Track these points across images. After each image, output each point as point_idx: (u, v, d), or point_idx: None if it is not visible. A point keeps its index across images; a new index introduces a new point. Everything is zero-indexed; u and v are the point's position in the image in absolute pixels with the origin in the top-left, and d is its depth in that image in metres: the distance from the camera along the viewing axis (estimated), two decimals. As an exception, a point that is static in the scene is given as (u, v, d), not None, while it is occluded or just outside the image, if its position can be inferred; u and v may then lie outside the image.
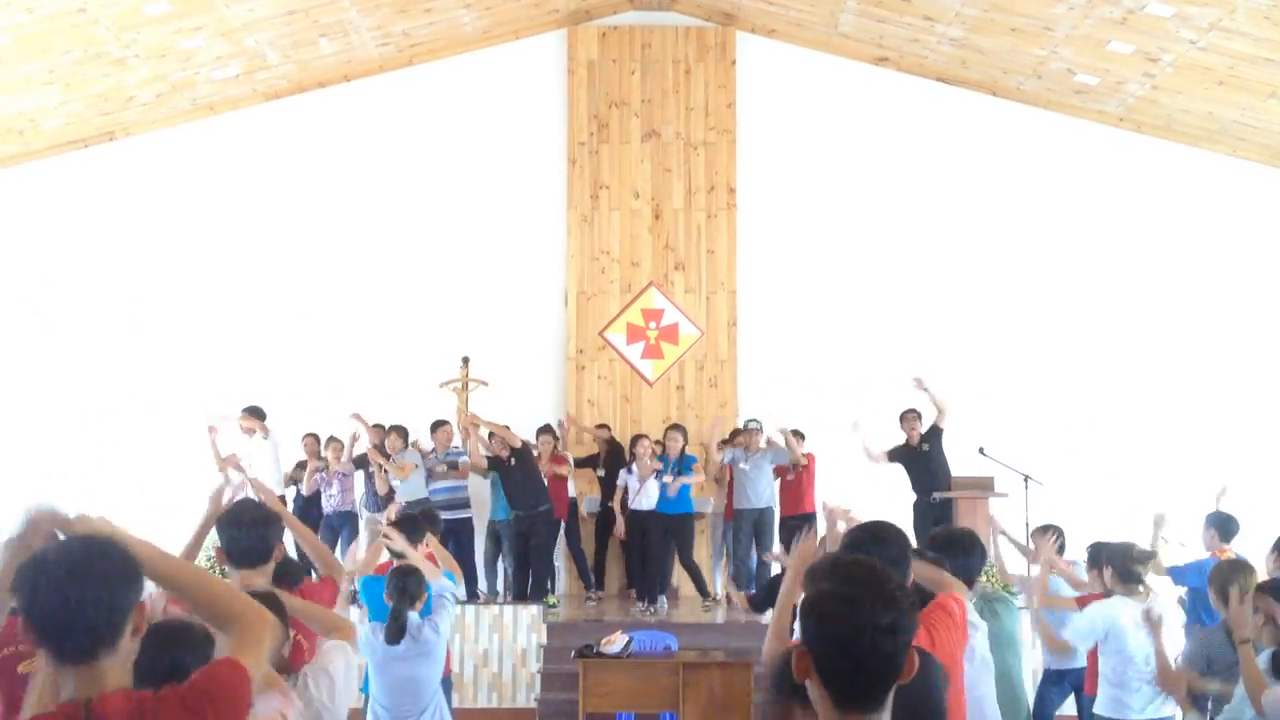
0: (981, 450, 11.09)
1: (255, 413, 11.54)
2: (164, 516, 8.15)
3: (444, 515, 9.85)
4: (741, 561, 11.34)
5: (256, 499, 5.14)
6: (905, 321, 12.82)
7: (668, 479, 10.98)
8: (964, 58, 12.67)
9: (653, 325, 13.01)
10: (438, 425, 11.77)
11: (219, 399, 12.02)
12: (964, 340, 12.68)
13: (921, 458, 11.27)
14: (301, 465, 11.81)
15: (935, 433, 11.34)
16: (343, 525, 11.50)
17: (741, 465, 11.35)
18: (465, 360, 12.45)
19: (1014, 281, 12.87)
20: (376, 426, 11.50)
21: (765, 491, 11.41)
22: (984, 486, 11.45)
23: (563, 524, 11.61)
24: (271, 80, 12.86)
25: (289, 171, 13.02)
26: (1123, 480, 11.72)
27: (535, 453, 11.37)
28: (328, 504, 11.59)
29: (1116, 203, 12.95)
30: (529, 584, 10.92)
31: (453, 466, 11.50)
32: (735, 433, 11.87)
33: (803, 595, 2.23)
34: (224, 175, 12.99)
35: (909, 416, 11.43)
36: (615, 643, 8.82)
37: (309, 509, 11.44)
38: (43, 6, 10.11)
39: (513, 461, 10.96)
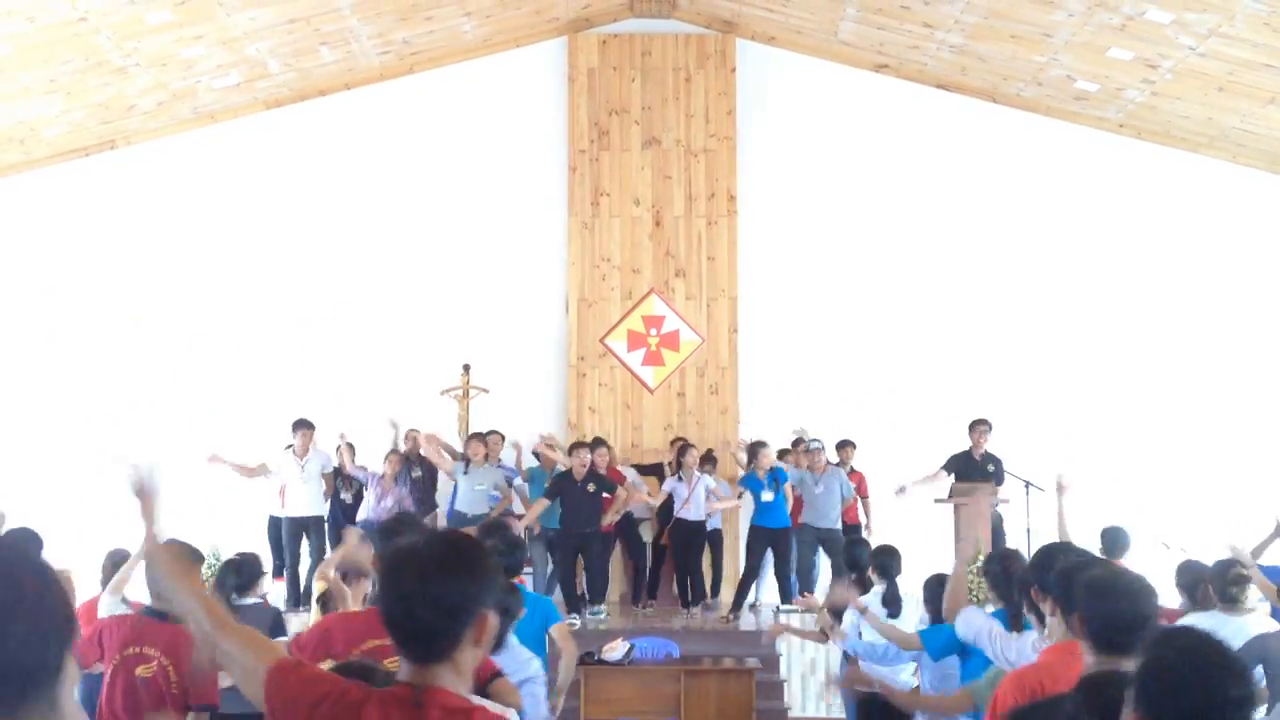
0: (902, 489, 11.10)
1: (308, 425, 11.44)
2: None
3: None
4: (805, 574, 11.30)
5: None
6: (906, 328, 12.83)
7: (766, 495, 11.01)
8: (964, 65, 12.69)
9: (654, 332, 13.02)
10: (487, 435, 11.61)
11: (218, 406, 12.05)
12: (964, 346, 12.70)
13: (981, 474, 11.06)
14: (337, 473, 11.61)
15: (999, 464, 11.20)
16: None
17: (816, 490, 11.21)
18: (466, 368, 12.47)
19: (1015, 288, 12.88)
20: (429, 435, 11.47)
21: (833, 513, 11.27)
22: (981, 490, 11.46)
23: (615, 537, 11.48)
24: (272, 89, 12.88)
25: (290, 180, 13.03)
26: (1124, 486, 11.70)
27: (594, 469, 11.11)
28: (376, 513, 10.93)
29: (1116, 209, 12.96)
30: (576, 596, 10.87)
31: (509, 483, 11.42)
32: (784, 452, 11.74)
33: (1140, 662, 2.21)
34: (225, 184, 13.01)
35: (979, 427, 11.29)
36: (616, 650, 8.82)
37: (347, 520, 11.06)
38: (44, 15, 10.13)
39: (590, 488, 10.86)
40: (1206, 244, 12.84)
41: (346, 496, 11.53)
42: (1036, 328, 12.78)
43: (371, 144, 13.14)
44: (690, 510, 11.07)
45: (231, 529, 10.32)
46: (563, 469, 10.99)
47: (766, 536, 11.12)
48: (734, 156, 13.16)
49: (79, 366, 12.58)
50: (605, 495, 10.95)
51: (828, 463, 11.41)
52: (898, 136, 13.15)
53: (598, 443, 11.15)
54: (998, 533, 10.70)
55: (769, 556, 11.28)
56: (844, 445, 12.02)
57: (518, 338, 12.83)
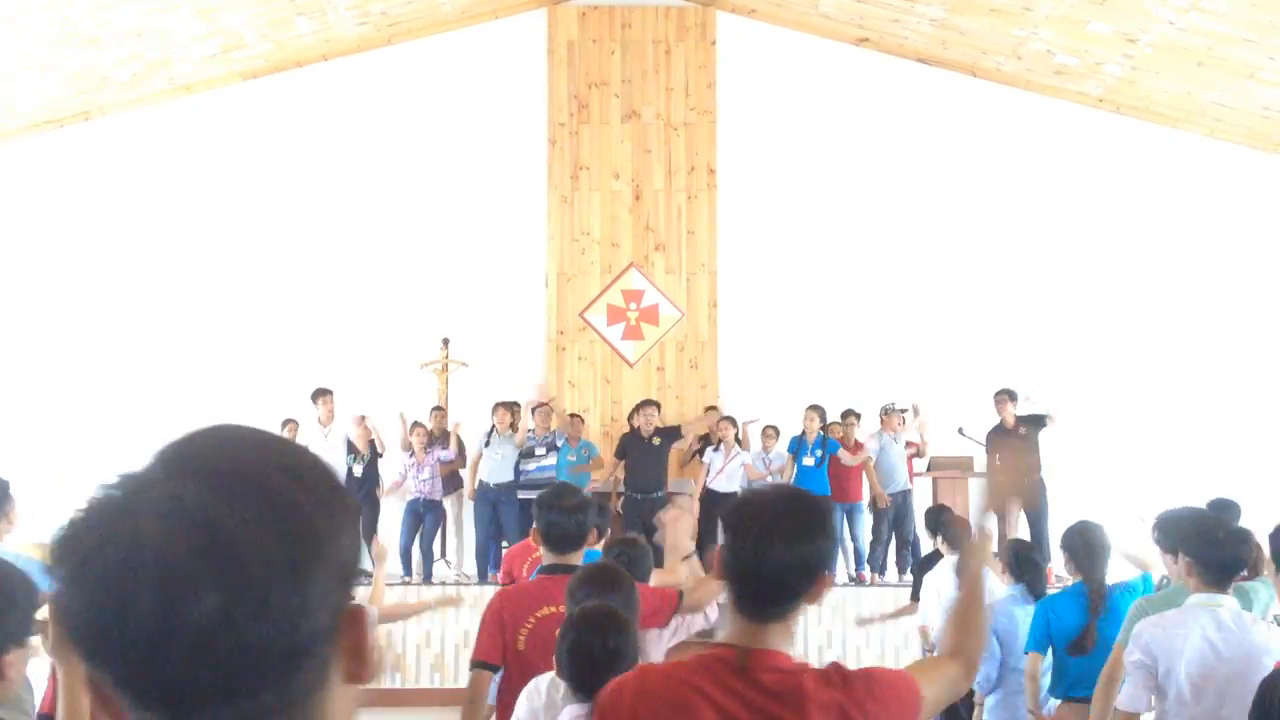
0: (960, 431, 11.14)
1: (328, 392, 11.57)
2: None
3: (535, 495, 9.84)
4: (879, 543, 11.49)
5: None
6: (886, 302, 12.84)
7: (809, 460, 11.21)
8: (944, 38, 12.68)
9: (633, 306, 13.00)
10: (537, 407, 11.90)
11: (193, 381, 11.99)
12: (944, 320, 12.72)
13: (1017, 442, 11.09)
14: (350, 450, 11.68)
15: (1036, 421, 11.24)
16: (428, 513, 11.57)
17: (895, 448, 11.46)
18: (445, 341, 12.43)
19: (994, 262, 12.90)
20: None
21: (901, 476, 11.47)
22: (964, 467, 11.54)
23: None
24: (249, 60, 12.76)
25: (266, 152, 12.93)
26: (1102, 460, 11.78)
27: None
28: (417, 485, 11.54)
29: (1095, 183, 12.98)
30: None
31: (552, 448, 11.58)
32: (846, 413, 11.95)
33: None
34: (201, 155, 12.90)
35: (1002, 398, 11.34)
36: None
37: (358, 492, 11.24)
38: (16, -15, 10.03)
39: (656, 440, 10.90)
40: (1184, 219, 12.87)
41: (356, 469, 11.59)
42: (1016, 302, 12.81)
43: (349, 116, 13.04)
44: (722, 481, 11.20)
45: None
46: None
47: None
48: (714, 130, 13.13)
49: (53, 341, 12.48)
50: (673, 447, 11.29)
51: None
52: (878, 110, 13.13)
53: (647, 403, 11.62)
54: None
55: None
56: (849, 416, 11.98)
57: (497, 311, 12.79)
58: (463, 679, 10.08)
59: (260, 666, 0.90)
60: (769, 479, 11.44)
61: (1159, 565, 5.49)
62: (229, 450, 0.96)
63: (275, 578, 0.89)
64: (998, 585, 6.25)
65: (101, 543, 0.90)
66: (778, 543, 2.16)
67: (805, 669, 2.19)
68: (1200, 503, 7.30)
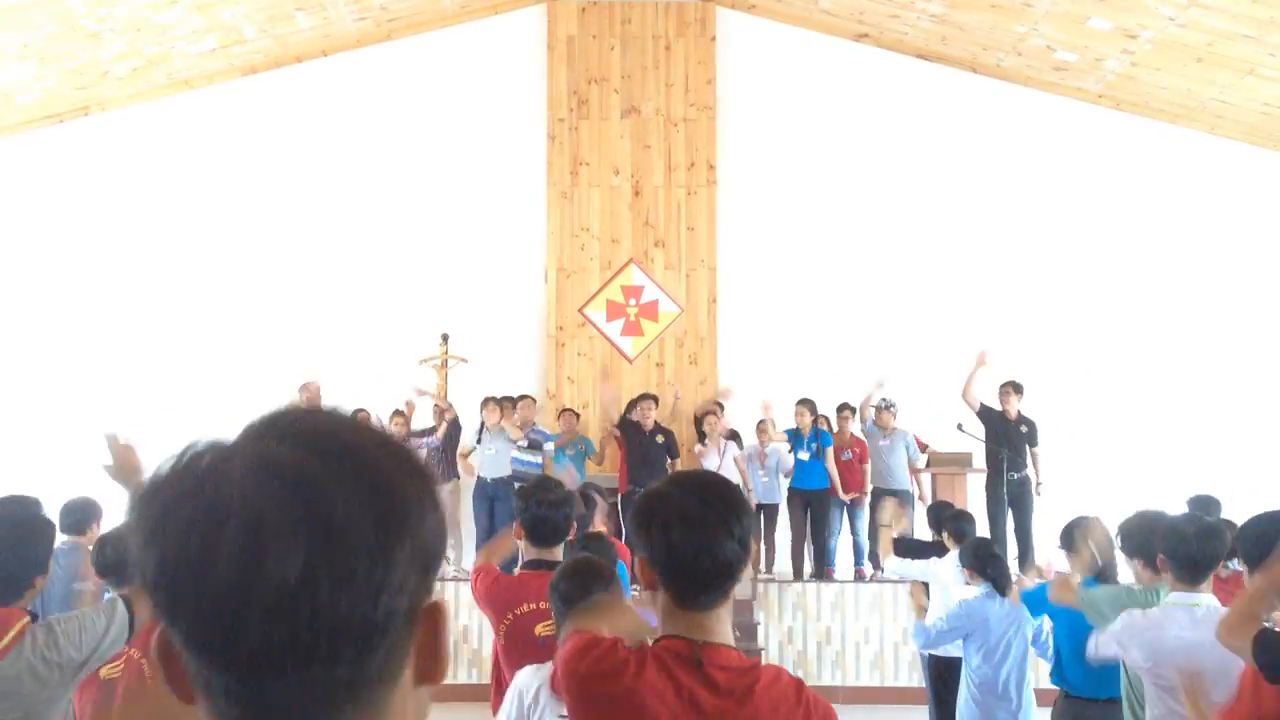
0: (960, 427, 11.14)
1: (313, 385, 11.53)
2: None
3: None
4: (877, 540, 11.39)
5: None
6: (885, 297, 12.84)
7: (804, 454, 11.16)
8: (944, 34, 12.67)
9: (632, 302, 13.00)
10: (521, 399, 11.85)
11: (193, 375, 11.99)
12: (943, 315, 12.71)
13: (1014, 433, 11.20)
14: None
15: (1032, 427, 11.27)
16: None
17: (881, 441, 11.39)
18: (445, 337, 12.43)
19: (993, 257, 12.90)
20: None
21: (900, 473, 11.42)
22: (962, 463, 11.53)
23: None
24: (248, 55, 12.76)
25: (266, 147, 12.93)
26: (1101, 456, 11.79)
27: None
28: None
29: (1095, 179, 12.98)
30: None
31: (535, 446, 11.47)
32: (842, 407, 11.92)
33: None
34: (200, 150, 12.89)
35: (1006, 389, 11.34)
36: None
37: None
38: (15, -21, 10.02)
39: (659, 439, 10.84)
40: (1184, 215, 12.87)
41: None
42: (1015, 297, 12.81)
43: (348, 112, 13.04)
44: None
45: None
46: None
47: (802, 498, 11.22)
48: (714, 126, 13.12)
49: (53, 336, 12.49)
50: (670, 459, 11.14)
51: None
52: (878, 106, 13.12)
53: (645, 397, 11.55)
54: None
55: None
56: (844, 410, 11.95)
57: (496, 307, 12.79)
58: (460, 675, 10.13)
59: (337, 637, 0.86)
60: (763, 473, 11.44)
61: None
62: (322, 419, 0.94)
63: (363, 546, 0.86)
64: (962, 587, 6.33)
65: (185, 494, 0.87)
66: (717, 528, 2.16)
67: (759, 666, 2.22)
68: (1186, 498, 7.38)
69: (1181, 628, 3.89)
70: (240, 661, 0.86)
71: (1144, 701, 4.30)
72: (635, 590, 4.44)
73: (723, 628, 2.21)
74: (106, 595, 4.08)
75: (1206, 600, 3.98)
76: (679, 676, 2.13)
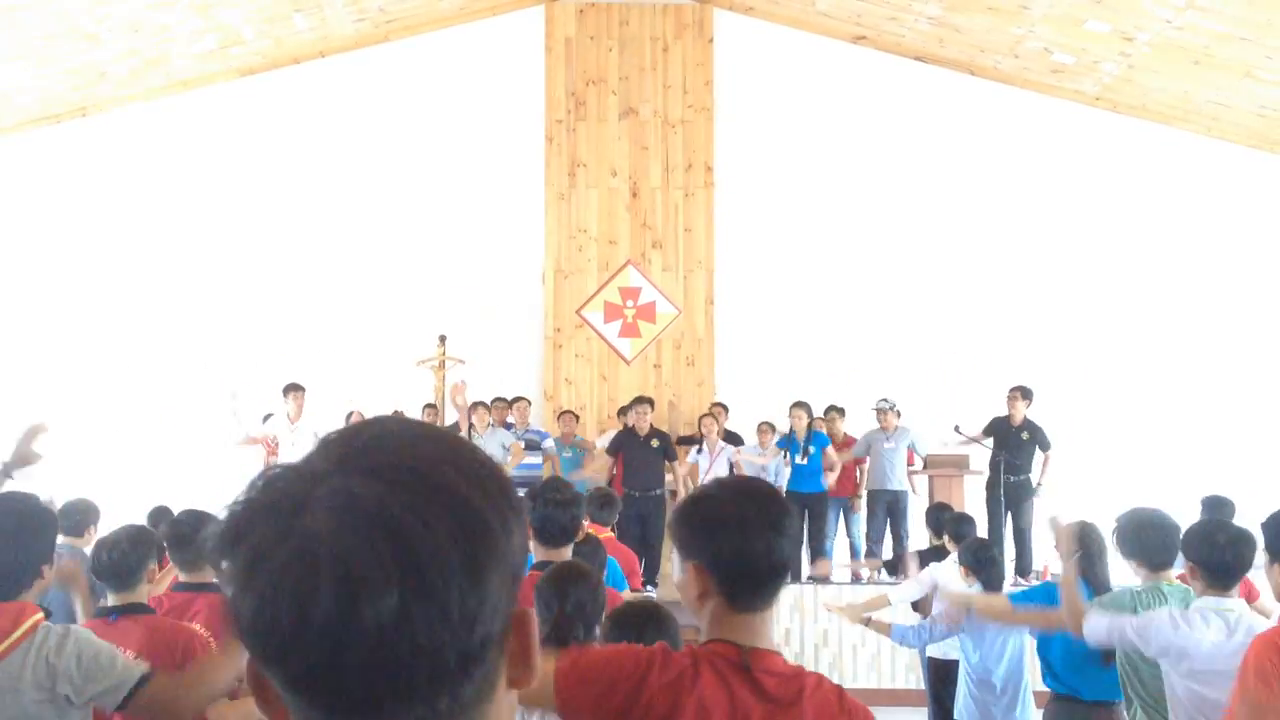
0: (957, 429, 11.15)
1: (299, 388, 11.38)
2: (129, 497, 8.12)
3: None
4: (875, 543, 11.32)
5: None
6: (882, 300, 12.85)
7: (800, 459, 11.06)
8: (941, 36, 12.68)
9: (630, 304, 13.00)
10: (515, 401, 11.82)
11: (189, 376, 11.98)
12: (940, 317, 12.73)
13: (1016, 440, 11.20)
14: None
15: (1038, 432, 11.26)
16: None
17: (885, 444, 11.28)
18: (442, 338, 12.40)
19: (990, 259, 12.91)
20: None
21: (898, 474, 11.35)
22: (959, 465, 11.53)
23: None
24: (246, 56, 12.75)
25: (264, 149, 12.93)
26: (1099, 459, 11.79)
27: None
28: None
29: (1092, 182, 12.99)
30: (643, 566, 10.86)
31: (533, 447, 11.39)
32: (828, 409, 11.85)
33: None
34: (198, 151, 12.89)
35: (1012, 394, 11.32)
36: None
37: None
38: (13, -20, 10.01)
39: (654, 443, 10.77)
40: (1181, 218, 12.88)
41: None
42: (1013, 299, 12.82)
43: (346, 113, 13.04)
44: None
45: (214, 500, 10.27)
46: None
47: (799, 502, 11.19)
48: (711, 127, 13.13)
49: (51, 336, 12.48)
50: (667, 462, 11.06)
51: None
52: (875, 108, 13.13)
53: (641, 400, 11.47)
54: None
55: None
56: (830, 411, 11.92)
57: (494, 309, 12.78)
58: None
59: (436, 670, 0.87)
60: (763, 472, 11.43)
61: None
62: (398, 445, 0.92)
63: (453, 578, 0.86)
64: (960, 585, 6.35)
65: (274, 538, 0.86)
66: (772, 529, 2.19)
67: (804, 672, 2.22)
68: (1194, 499, 7.36)
69: (1217, 632, 3.97)
70: (342, 703, 0.87)
71: (1147, 684, 4.37)
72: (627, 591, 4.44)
73: (769, 631, 2.22)
74: (103, 600, 4.08)
75: (1239, 605, 4.07)
76: (730, 682, 2.14)
